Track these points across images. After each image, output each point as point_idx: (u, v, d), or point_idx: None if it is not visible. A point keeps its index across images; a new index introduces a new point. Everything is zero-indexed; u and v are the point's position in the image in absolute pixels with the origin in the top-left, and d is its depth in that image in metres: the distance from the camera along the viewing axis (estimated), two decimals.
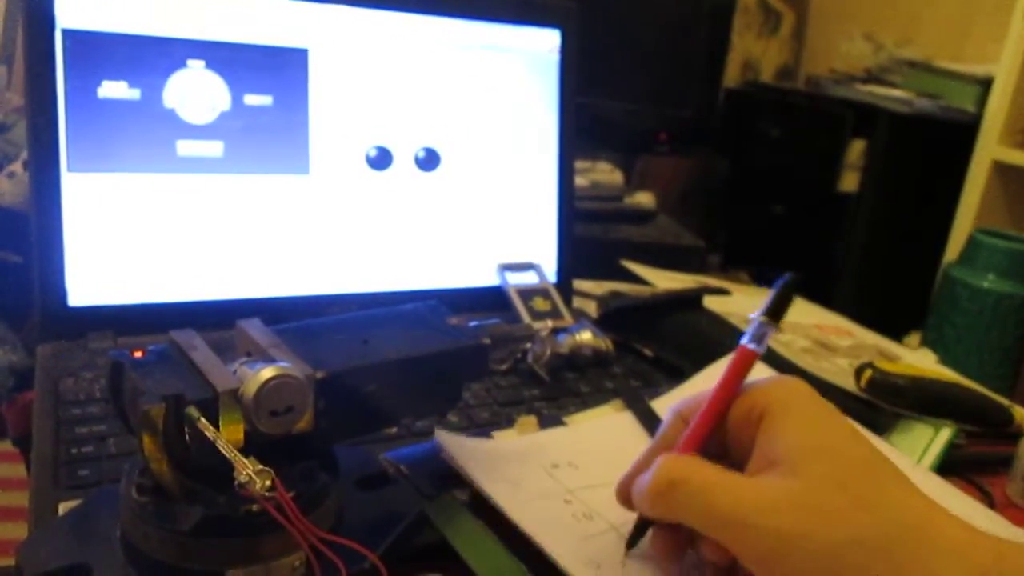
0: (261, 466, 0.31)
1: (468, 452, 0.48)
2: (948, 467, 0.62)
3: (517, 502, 0.44)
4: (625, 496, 0.40)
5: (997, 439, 0.68)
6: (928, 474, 0.59)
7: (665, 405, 0.61)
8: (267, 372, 0.34)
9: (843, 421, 0.37)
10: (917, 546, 0.32)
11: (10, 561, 0.36)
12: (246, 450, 0.32)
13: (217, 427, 0.33)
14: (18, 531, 0.42)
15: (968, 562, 0.31)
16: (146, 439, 0.33)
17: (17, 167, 1.17)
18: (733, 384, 0.39)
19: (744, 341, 0.40)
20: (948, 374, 0.80)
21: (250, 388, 0.34)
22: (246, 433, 0.34)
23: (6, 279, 1.03)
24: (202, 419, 0.32)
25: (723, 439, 0.39)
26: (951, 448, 0.64)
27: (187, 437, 0.33)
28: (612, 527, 0.43)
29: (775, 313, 0.40)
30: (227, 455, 0.31)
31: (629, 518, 0.42)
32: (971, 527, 0.33)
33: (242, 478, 0.31)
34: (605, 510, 0.44)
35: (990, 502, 0.59)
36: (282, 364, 0.35)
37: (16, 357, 1.02)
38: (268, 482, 0.31)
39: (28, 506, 0.44)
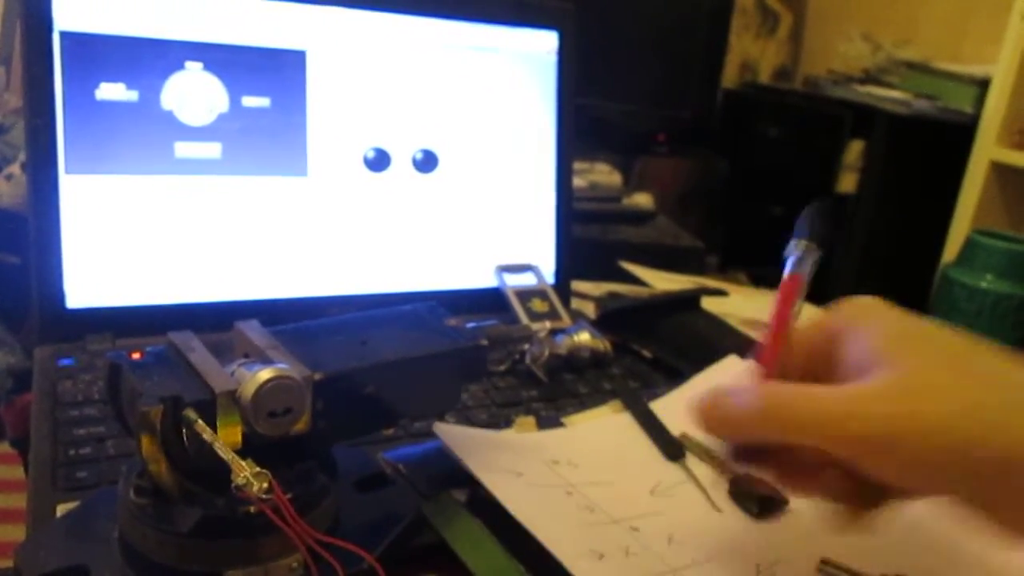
0: (258, 468, 0.31)
1: (468, 444, 0.48)
2: None
3: (516, 491, 0.44)
4: (711, 417, 0.37)
5: None
6: None
7: (664, 406, 0.61)
8: (265, 374, 0.34)
9: (924, 319, 0.35)
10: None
11: (8, 563, 0.36)
12: (244, 452, 0.32)
13: (215, 429, 0.33)
14: (16, 533, 0.42)
15: None
16: (144, 441, 0.33)
17: (15, 169, 1.17)
18: (785, 314, 0.39)
19: (788, 271, 0.40)
20: None
21: (248, 390, 0.34)
22: (244, 435, 0.34)
23: (4, 281, 1.03)
24: (199, 421, 0.32)
25: (793, 376, 0.38)
26: None
27: (185, 439, 0.33)
28: (614, 520, 0.43)
29: (813, 236, 0.41)
30: (224, 457, 0.31)
31: (633, 513, 0.42)
32: None
33: (239, 480, 0.31)
34: (608, 505, 0.44)
35: None
36: (280, 366, 0.35)
37: (14, 359, 1.02)
38: (265, 484, 0.31)
39: (26, 508, 0.44)
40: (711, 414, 0.36)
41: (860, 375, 0.34)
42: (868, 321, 0.35)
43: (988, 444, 0.30)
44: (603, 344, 0.67)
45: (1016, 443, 0.30)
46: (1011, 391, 0.31)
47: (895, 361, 0.33)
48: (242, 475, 0.31)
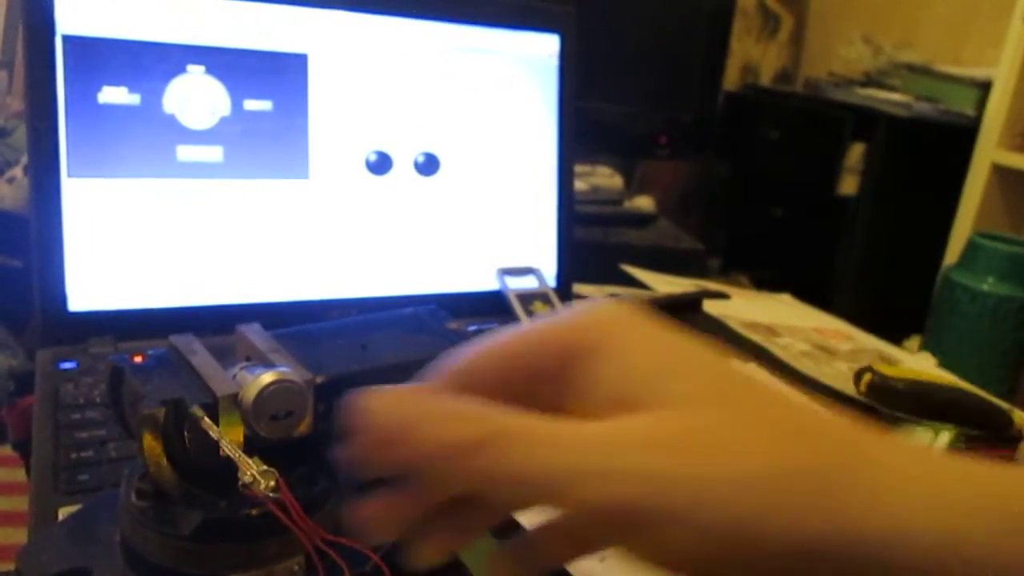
0: (265, 467, 0.31)
1: None
2: None
3: None
4: (384, 451, 0.25)
5: (997, 443, 0.68)
6: None
7: None
8: (266, 377, 0.34)
9: (695, 339, 0.27)
10: (857, 469, 0.23)
11: (10, 566, 0.36)
12: (246, 454, 0.33)
13: (216, 431, 0.33)
14: (18, 536, 0.42)
15: (925, 485, 0.23)
16: (146, 444, 0.33)
17: (17, 172, 1.17)
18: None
19: None
20: (948, 378, 0.80)
21: (249, 393, 0.34)
22: (246, 437, 0.34)
23: (6, 284, 1.03)
24: (206, 419, 0.32)
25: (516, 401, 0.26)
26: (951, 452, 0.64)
27: (187, 441, 0.33)
28: None
29: None
30: (231, 455, 0.31)
31: None
32: (918, 446, 0.26)
33: (246, 479, 0.31)
34: None
35: None
36: (281, 369, 0.35)
37: (16, 361, 1.02)
38: (272, 482, 0.31)
39: (28, 511, 0.44)
40: (391, 434, 0.25)
41: (615, 411, 0.24)
42: (626, 338, 0.26)
43: (791, 527, 0.22)
44: None
45: (827, 529, 0.22)
46: (830, 445, 0.24)
47: (665, 399, 0.24)
48: (249, 473, 0.31)
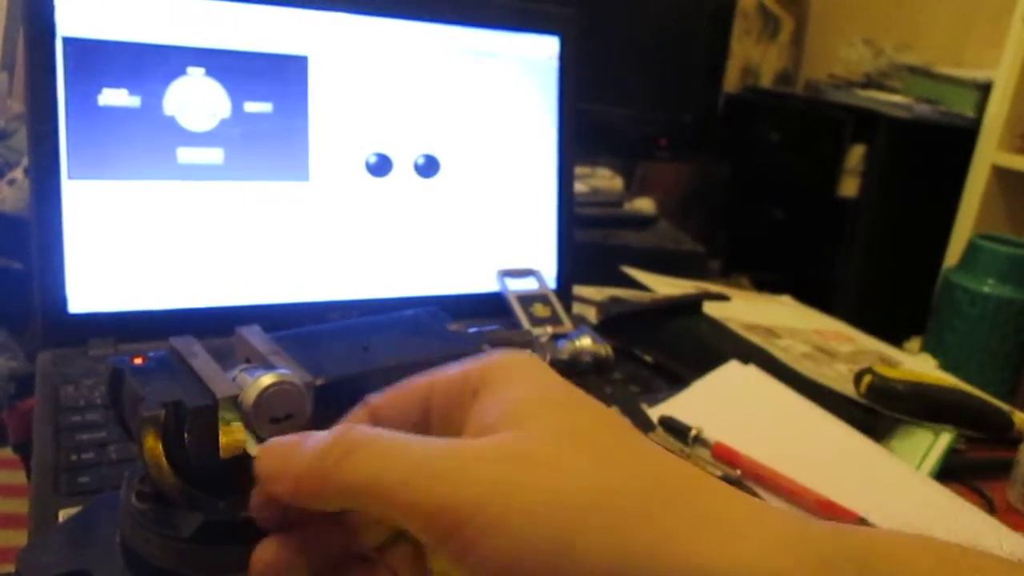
0: None
1: None
2: (948, 472, 0.62)
3: None
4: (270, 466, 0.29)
5: (997, 444, 0.68)
6: (927, 480, 0.59)
7: (664, 412, 0.61)
8: (266, 379, 0.34)
9: (569, 383, 0.29)
10: (687, 501, 0.24)
11: (10, 568, 0.36)
12: (246, 457, 0.33)
13: (216, 434, 0.33)
14: (19, 538, 0.42)
15: (764, 529, 0.23)
16: (146, 446, 0.33)
17: (18, 174, 1.17)
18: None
19: None
20: (948, 379, 0.80)
21: (249, 395, 0.34)
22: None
23: (7, 286, 1.03)
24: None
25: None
26: (951, 453, 0.64)
27: (187, 443, 0.33)
28: None
29: None
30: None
31: None
32: (751, 499, 0.25)
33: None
34: None
35: (990, 508, 0.59)
36: (281, 371, 0.35)
37: (17, 363, 1.02)
38: None
39: (28, 513, 0.44)
40: (271, 463, 0.29)
41: (482, 432, 0.26)
42: (510, 379, 0.28)
43: (609, 546, 0.23)
44: (605, 349, 0.67)
45: (646, 551, 0.22)
46: (654, 479, 0.24)
47: (522, 422, 0.26)
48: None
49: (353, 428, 0.27)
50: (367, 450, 0.26)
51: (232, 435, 0.34)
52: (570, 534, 0.23)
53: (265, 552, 0.29)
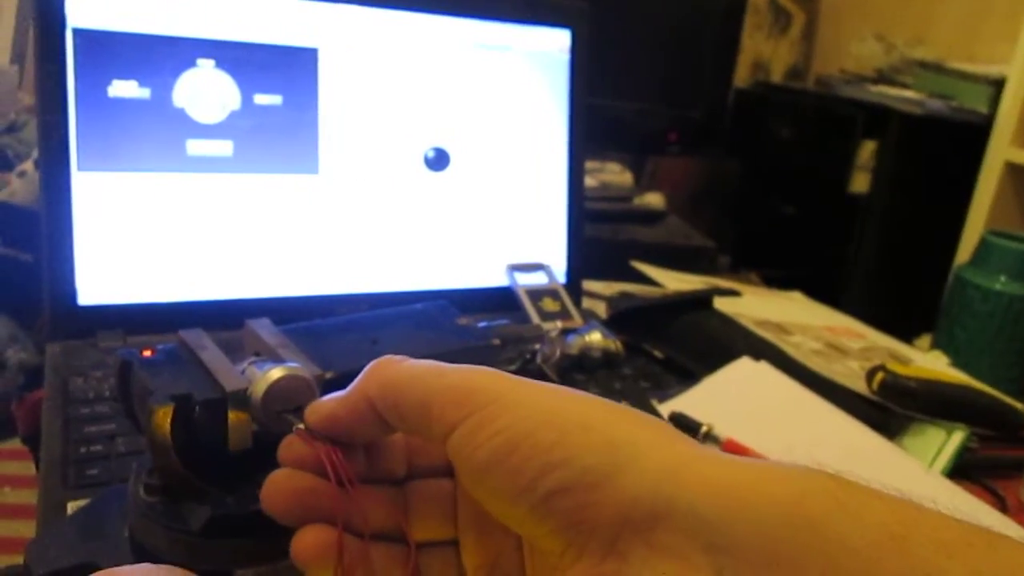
0: None
1: None
2: (960, 471, 0.62)
3: None
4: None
5: (1010, 442, 0.68)
6: (940, 478, 0.59)
7: (675, 408, 0.60)
8: (276, 372, 0.34)
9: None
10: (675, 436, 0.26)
11: (19, 559, 0.36)
12: (254, 451, 0.32)
13: (225, 427, 0.33)
14: (28, 529, 0.42)
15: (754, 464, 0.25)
16: (154, 439, 0.33)
17: (28, 166, 1.17)
18: None
19: None
20: (960, 377, 0.80)
21: (259, 388, 0.33)
22: (254, 433, 0.34)
23: (17, 277, 1.03)
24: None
25: None
26: (963, 452, 0.63)
27: (196, 436, 0.33)
28: None
29: None
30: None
31: None
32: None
33: None
34: None
35: (1003, 506, 0.59)
36: (291, 364, 0.35)
37: (27, 355, 1.02)
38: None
39: (37, 505, 0.44)
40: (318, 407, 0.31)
41: None
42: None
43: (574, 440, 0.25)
44: (615, 344, 0.67)
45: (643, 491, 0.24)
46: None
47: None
48: None
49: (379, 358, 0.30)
50: (394, 361, 0.29)
51: (241, 428, 0.34)
52: (579, 422, 0.25)
53: (278, 479, 0.30)
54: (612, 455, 0.24)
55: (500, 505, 0.26)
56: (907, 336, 1.11)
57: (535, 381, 0.28)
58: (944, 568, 0.20)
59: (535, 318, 0.71)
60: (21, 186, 1.15)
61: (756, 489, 0.23)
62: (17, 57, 1.44)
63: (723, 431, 0.57)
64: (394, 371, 0.29)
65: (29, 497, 0.48)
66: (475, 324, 0.44)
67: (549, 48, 0.75)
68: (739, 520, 0.22)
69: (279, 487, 0.29)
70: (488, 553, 0.30)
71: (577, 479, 0.24)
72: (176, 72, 0.61)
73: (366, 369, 0.30)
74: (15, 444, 0.64)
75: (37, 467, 0.48)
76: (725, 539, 0.22)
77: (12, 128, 1.31)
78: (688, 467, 0.24)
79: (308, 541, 0.29)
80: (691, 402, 0.61)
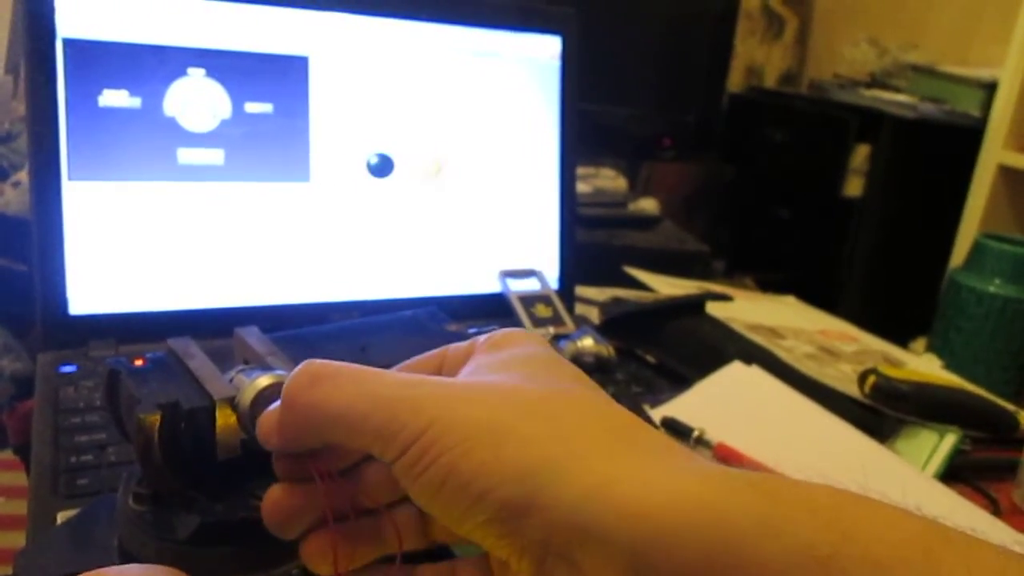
0: None
1: None
2: (953, 473, 0.62)
3: None
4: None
5: (1003, 445, 0.68)
6: (932, 481, 0.59)
7: (667, 413, 0.60)
8: (264, 380, 0.34)
9: (562, 358, 0.31)
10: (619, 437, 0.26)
11: (8, 570, 0.36)
12: (242, 459, 0.32)
13: (213, 435, 0.33)
14: (17, 539, 0.42)
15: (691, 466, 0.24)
16: (142, 447, 0.33)
17: (22, 176, 1.17)
18: None
19: None
20: (954, 379, 0.80)
21: (246, 396, 0.33)
22: (243, 441, 0.34)
23: (11, 287, 1.03)
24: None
25: None
26: (956, 454, 0.63)
27: (183, 445, 0.33)
28: None
29: None
30: None
31: None
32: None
33: None
34: None
35: (995, 509, 0.59)
36: (279, 372, 0.35)
37: (20, 365, 1.02)
38: None
39: (27, 514, 0.44)
40: (263, 419, 0.30)
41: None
42: (503, 345, 0.30)
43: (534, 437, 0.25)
44: (607, 349, 0.67)
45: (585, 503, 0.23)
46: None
47: (495, 372, 0.28)
48: None
49: (315, 360, 0.28)
50: (330, 381, 0.27)
51: (229, 436, 0.34)
52: (499, 446, 0.25)
53: (273, 493, 0.30)
54: (525, 484, 0.24)
55: (450, 524, 0.26)
56: (902, 339, 1.11)
57: (474, 382, 0.28)
58: None
59: (527, 324, 0.71)
60: (15, 196, 1.15)
61: (674, 513, 0.22)
62: (12, 67, 1.44)
63: (714, 435, 0.57)
64: (312, 407, 0.28)
65: (20, 508, 0.48)
66: (465, 330, 0.44)
67: (540, 55, 0.76)
68: (656, 547, 0.22)
69: (275, 505, 0.30)
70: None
71: (495, 514, 0.24)
72: (167, 81, 0.61)
73: (283, 396, 0.28)
74: (6, 455, 0.64)
75: (28, 477, 0.48)
76: (643, 565, 0.22)
77: (6, 138, 1.31)
78: (610, 487, 0.23)
79: (313, 549, 0.30)
80: (683, 407, 0.62)
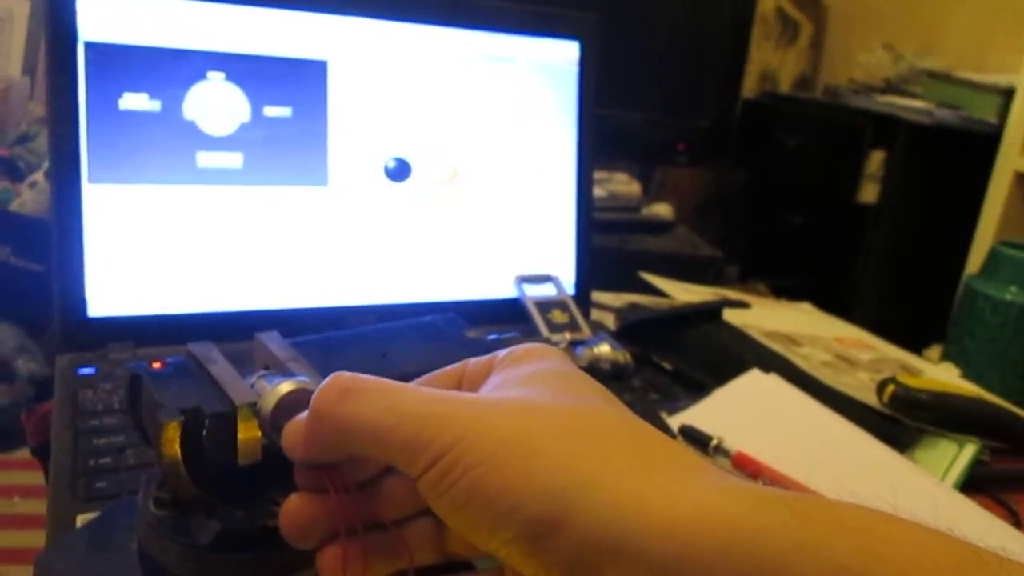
0: None
1: None
2: (973, 484, 0.61)
3: None
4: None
5: (1022, 455, 0.67)
6: (952, 492, 0.59)
7: (685, 420, 0.60)
8: (285, 386, 0.34)
9: (581, 372, 0.31)
10: (640, 452, 0.25)
11: (25, 568, 0.36)
12: (263, 465, 0.32)
13: (235, 441, 0.33)
14: (38, 539, 0.42)
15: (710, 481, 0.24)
16: (163, 452, 0.33)
17: (39, 177, 1.18)
18: None
19: None
20: (971, 389, 0.79)
21: (268, 402, 0.33)
22: (264, 447, 0.34)
23: (27, 288, 1.04)
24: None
25: None
26: (976, 465, 0.63)
27: (205, 450, 0.33)
28: None
29: None
30: None
31: None
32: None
33: None
34: None
35: (1015, 520, 0.58)
36: (300, 378, 0.35)
37: (36, 366, 1.03)
38: None
39: (46, 517, 0.44)
40: (289, 428, 0.30)
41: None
42: (523, 361, 0.30)
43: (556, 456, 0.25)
44: (624, 356, 0.67)
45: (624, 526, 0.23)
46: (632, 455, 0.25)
47: (517, 388, 0.28)
48: None
49: (344, 373, 0.29)
50: (359, 395, 0.28)
51: (250, 442, 0.34)
52: (527, 463, 0.24)
53: (291, 504, 0.30)
54: (555, 501, 0.24)
55: (475, 541, 0.26)
56: (917, 347, 1.10)
57: (500, 399, 0.28)
58: None
59: (544, 330, 0.71)
60: (32, 197, 1.16)
61: (708, 529, 0.22)
62: (28, 68, 1.45)
63: (733, 444, 0.57)
64: (341, 420, 0.28)
65: (39, 507, 0.48)
66: (484, 336, 0.44)
67: (558, 60, 0.75)
68: (688, 563, 0.22)
69: (293, 515, 0.30)
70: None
71: (523, 530, 0.24)
72: (186, 85, 0.61)
73: (311, 409, 0.29)
74: (25, 454, 0.64)
75: (47, 478, 0.49)
76: None
77: (23, 139, 1.32)
78: (643, 503, 0.23)
79: (329, 560, 0.30)
80: (701, 415, 0.61)
